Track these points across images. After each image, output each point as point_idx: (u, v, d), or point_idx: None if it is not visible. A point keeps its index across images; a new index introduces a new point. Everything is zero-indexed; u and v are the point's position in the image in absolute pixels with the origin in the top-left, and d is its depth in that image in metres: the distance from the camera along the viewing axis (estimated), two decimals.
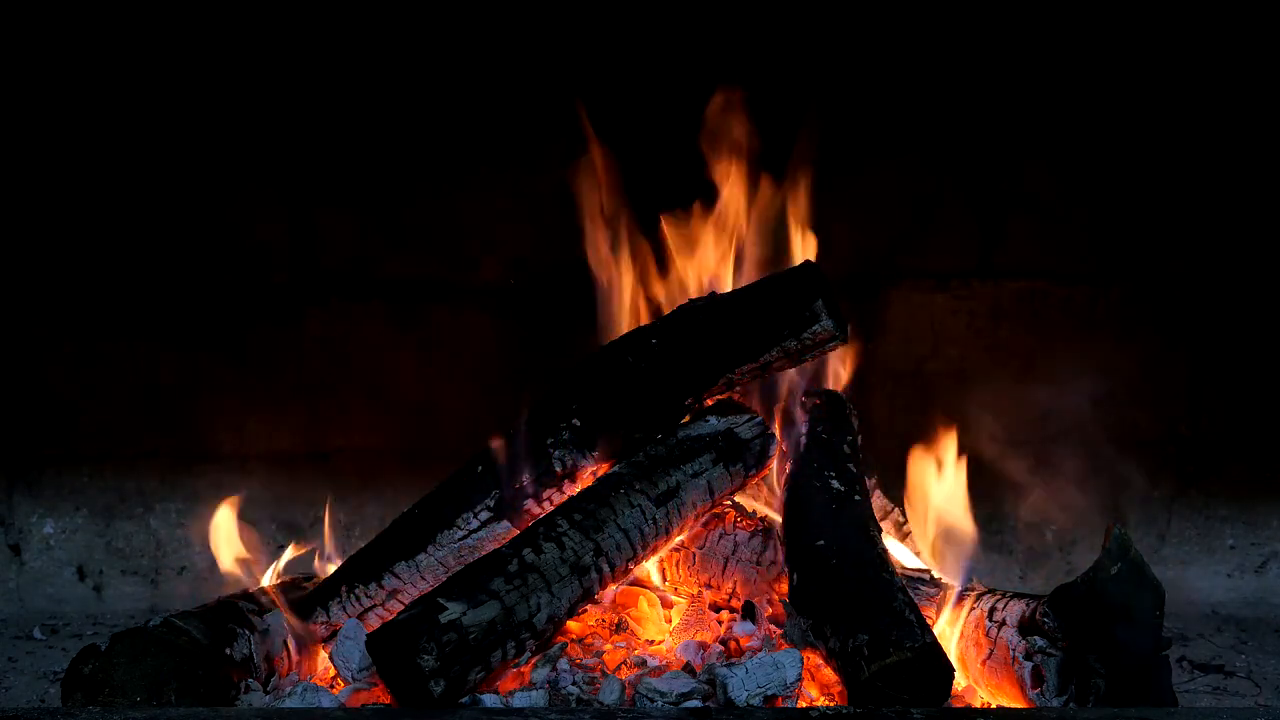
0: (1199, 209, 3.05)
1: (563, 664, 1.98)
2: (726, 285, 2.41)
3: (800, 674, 1.88)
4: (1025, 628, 1.92)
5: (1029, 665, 1.89)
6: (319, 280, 3.03)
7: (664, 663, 2.04)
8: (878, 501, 2.38)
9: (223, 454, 3.05)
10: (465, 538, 2.18)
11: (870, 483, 2.37)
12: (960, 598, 2.11)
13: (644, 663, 2.04)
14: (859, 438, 2.41)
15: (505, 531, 2.17)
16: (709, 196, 2.51)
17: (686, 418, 2.24)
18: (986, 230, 3.07)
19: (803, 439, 2.34)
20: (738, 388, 2.27)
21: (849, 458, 2.29)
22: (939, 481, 2.35)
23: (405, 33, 2.95)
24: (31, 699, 2.34)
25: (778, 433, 2.33)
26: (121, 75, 2.93)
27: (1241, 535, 3.13)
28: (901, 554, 2.36)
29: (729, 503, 2.27)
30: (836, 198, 2.98)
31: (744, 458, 2.20)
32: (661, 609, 2.22)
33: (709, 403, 2.26)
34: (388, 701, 1.90)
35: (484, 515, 2.18)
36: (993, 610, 2.02)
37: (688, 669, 1.98)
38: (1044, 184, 3.04)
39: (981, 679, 2.01)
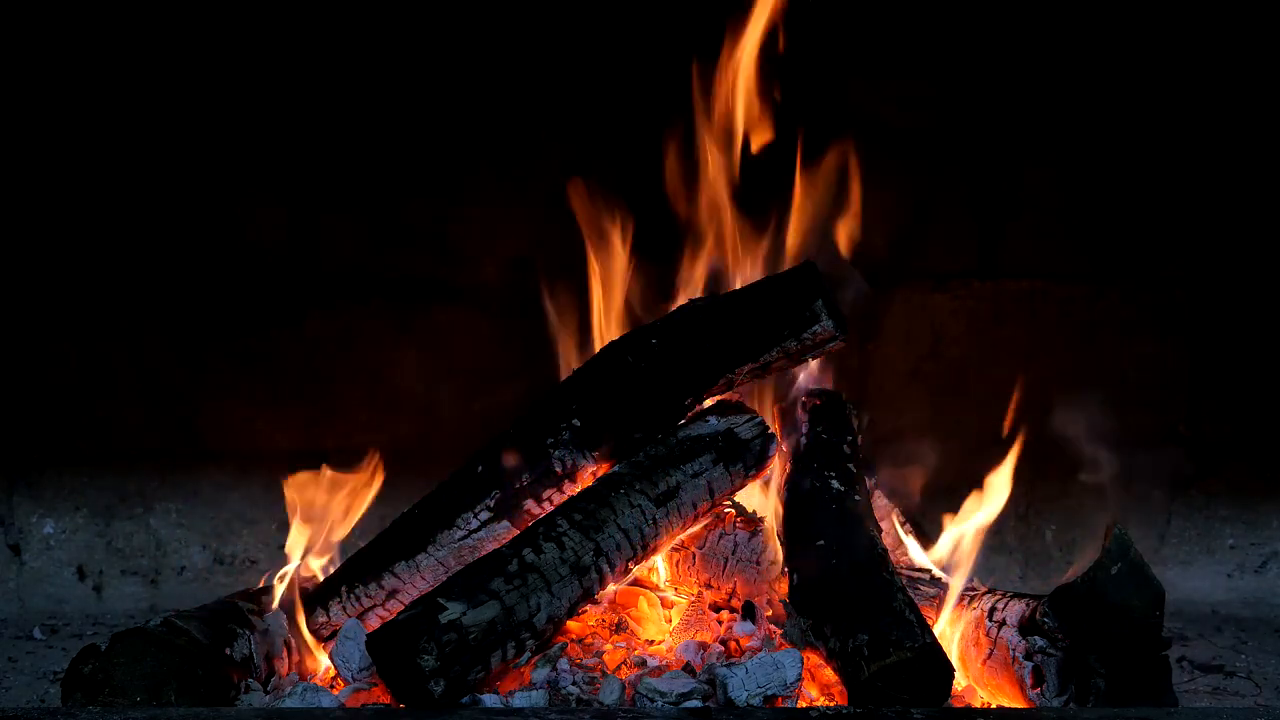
0: (1199, 209, 3.05)
1: (563, 664, 1.98)
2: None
3: (800, 674, 1.88)
4: (1025, 628, 1.92)
5: (1029, 665, 1.89)
6: (320, 280, 3.03)
7: (664, 663, 2.04)
8: (878, 501, 2.38)
9: (223, 454, 3.05)
10: (465, 538, 2.18)
11: (870, 483, 2.37)
12: (960, 597, 2.11)
13: (644, 663, 2.04)
14: (859, 438, 2.41)
15: (505, 531, 2.17)
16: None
17: (687, 417, 2.24)
18: (986, 230, 3.07)
19: (803, 439, 2.34)
20: (738, 388, 2.27)
21: (849, 458, 2.29)
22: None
23: (406, 34, 2.95)
24: (31, 699, 2.34)
25: (778, 433, 2.33)
26: (124, 77, 2.93)
27: (1241, 535, 3.13)
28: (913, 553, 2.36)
29: (729, 503, 2.27)
30: (836, 198, 2.99)
31: (744, 458, 2.20)
32: (661, 609, 2.23)
33: (709, 403, 2.27)
34: (388, 701, 1.90)
35: (484, 515, 2.18)
36: (993, 610, 2.02)
37: (688, 669, 1.98)
38: (1044, 184, 3.04)
39: (981, 679, 2.01)
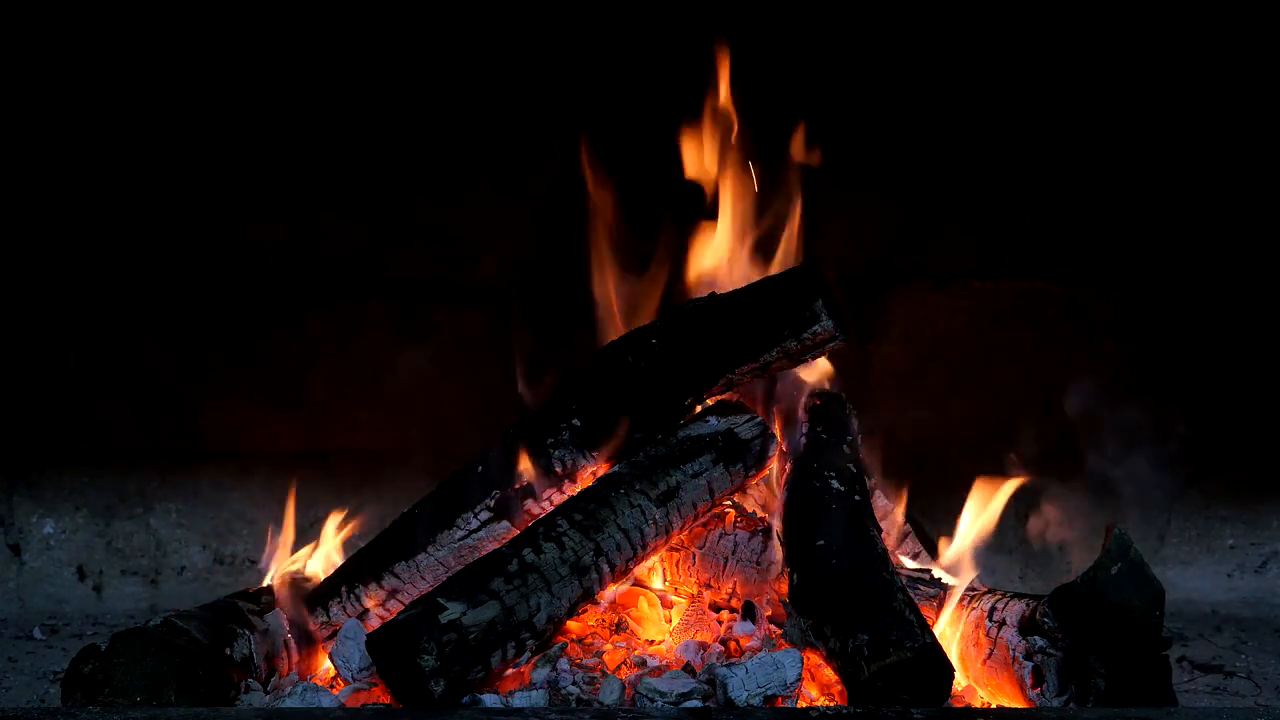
0: (1200, 210, 3.05)
1: (563, 664, 1.98)
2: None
3: (800, 674, 1.88)
4: (1025, 628, 1.92)
5: (1029, 665, 1.89)
6: (320, 281, 3.03)
7: (664, 663, 2.04)
8: (878, 501, 2.38)
9: (223, 454, 3.05)
10: (465, 538, 2.18)
11: (870, 483, 2.37)
12: (960, 597, 2.11)
13: (644, 663, 2.04)
14: (859, 438, 2.41)
15: (505, 531, 2.17)
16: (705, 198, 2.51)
17: (687, 417, 2.24)
18: (986, 230, 3.07)
19: (803, 439, 2.34)
20: (738, 388, 2.27)
21: (849, 458, 2.29)
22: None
23: (407, 34, 2.95)
24: (31, 699, 2.34)
25: (778, 433, 2.33)
26: (127, 79, 2.92)
27: (1241, 535, 3.13)
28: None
29: (729, 503, 2.27)
30: (837, 199, 2.99)
31: (744, 458, 2.20)
32: (661, 609, 2.23)
33: (709, 403, 2.27)
34: (388, 701, 1.90)
35: (484, 515, 2.18)
36: (993, 610, 2.02)
37: (688, 669, 1.98)
38: (1044, 185, 3.04)
39: (981, 679, 2.01)
